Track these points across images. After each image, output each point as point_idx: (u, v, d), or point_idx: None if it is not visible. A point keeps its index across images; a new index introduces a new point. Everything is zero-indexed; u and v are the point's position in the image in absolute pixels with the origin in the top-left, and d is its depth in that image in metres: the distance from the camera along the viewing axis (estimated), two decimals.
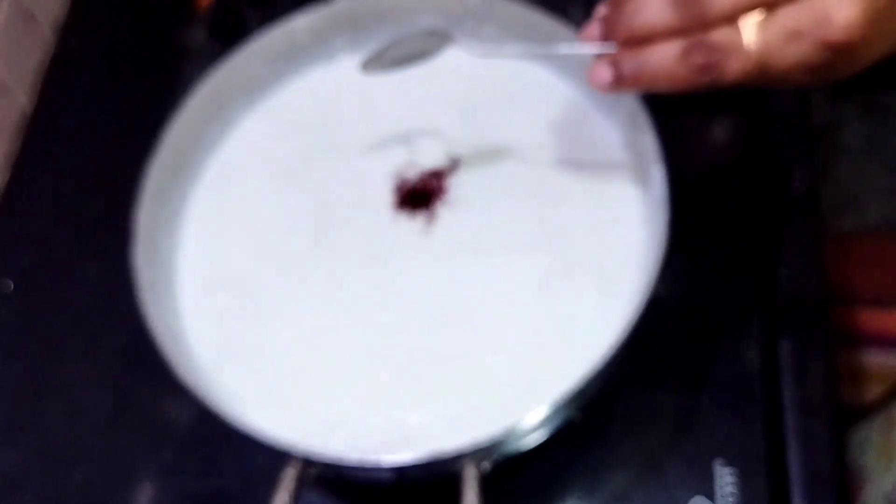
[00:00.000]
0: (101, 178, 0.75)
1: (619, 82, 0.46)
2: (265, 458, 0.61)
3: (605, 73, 0.46)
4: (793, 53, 0.41)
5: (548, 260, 0.57)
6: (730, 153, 0.71)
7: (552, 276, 0.56)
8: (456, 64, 0.63)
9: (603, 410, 0.61)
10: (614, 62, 0.46)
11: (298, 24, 0.62)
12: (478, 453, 0.47)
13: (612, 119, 0.60)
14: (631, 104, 0.56)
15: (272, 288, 0.58)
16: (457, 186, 0.60)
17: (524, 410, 0.47)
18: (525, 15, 0.60)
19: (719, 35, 0.42)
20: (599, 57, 0.47)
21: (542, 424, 0.50)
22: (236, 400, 0.54)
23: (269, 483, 0.60)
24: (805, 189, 0.68)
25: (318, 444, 0.48)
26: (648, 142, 0.54)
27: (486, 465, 0.48)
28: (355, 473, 0.51)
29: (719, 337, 0.63)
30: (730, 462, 0.58)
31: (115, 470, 0.62)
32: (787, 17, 0.41)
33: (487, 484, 0.47)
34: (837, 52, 0.41)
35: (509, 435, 0.47)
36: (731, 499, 0.57)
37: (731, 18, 0.42)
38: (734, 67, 0.42)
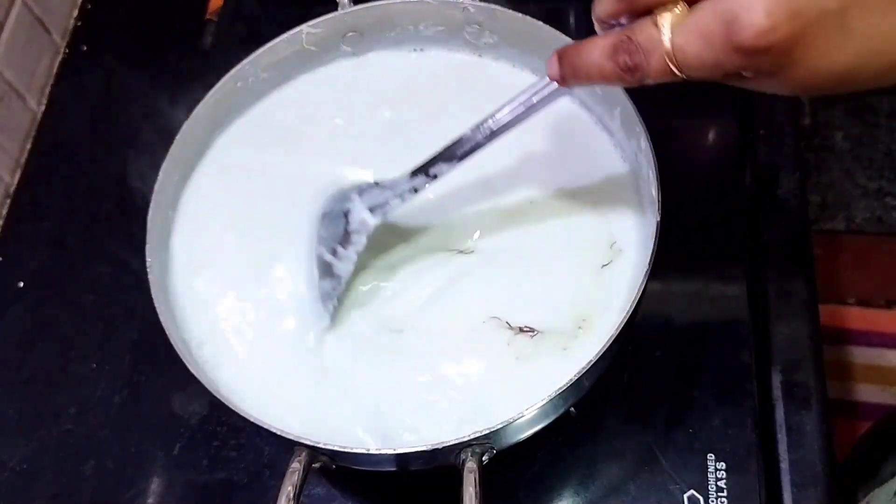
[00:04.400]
0: (110, 180, 0.76)
1: (564, 76, 0.46)
2: (271, 451, 0.63)
3: (553, 67, 0.46)
4: (706, 56, 0.39)
5: (542, 263, 0.58)
6: (720, 156, 0.72)
7: (546, 283, 0.57)
8: (456, 72, 0.65)
9: (598, 406, 0.62)
10: (559, 56, 0.46)
11: (305, 30, 0.62)
12: (477, 444, 0.48)
13: (608, 126, 0.61)
14: (625, 111, 0.57)
15: (271, 291, 0.58)
16: (458, 197, 0.60)
17: (522, 403, 0.48)
18: (525, 24, 0.60)
19: (642, 34, 0.41)
20: (555, 51, 0.47)
21: (540, 417, 0.51)
22: (235, 397, 0.54)
23: (275, 475, 0.62)
24: (793, 190, 0.69)
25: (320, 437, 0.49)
26: (642, 146, 0.55)
27: (486, 456, 0.49)
28: (360, 463, 0.52)
29: (711, 334, 0.64)
30: (722, 456, 0.59)
31: (125, 462, 0.64)
32: (698, 17, 0.39)
33: (487, 475, 0.48)
34: (755, 57, 0.38)
35: (508, 427, 0.48)
36: (723, 492, 0.58)
37: (656, 5, 0.40)
38: (655, 67, 0.41)
